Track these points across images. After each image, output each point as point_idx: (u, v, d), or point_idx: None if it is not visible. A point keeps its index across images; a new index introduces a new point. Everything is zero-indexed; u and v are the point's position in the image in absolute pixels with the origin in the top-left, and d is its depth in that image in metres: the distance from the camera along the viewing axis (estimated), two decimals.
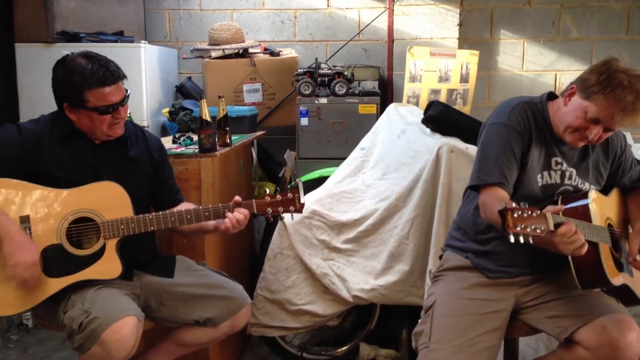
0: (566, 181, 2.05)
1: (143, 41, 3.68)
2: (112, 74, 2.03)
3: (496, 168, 1.96)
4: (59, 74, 2.05)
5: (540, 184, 2.03)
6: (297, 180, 2.19)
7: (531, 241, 1.58)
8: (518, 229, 1.57)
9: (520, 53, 4.38)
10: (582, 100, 1.91)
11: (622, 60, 1.91)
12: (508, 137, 1.99)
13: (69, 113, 2.06)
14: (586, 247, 1.71)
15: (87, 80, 1.99)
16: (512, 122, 2.01)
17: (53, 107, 2.15)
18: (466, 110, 3.83)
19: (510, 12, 4.33)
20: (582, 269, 1.90)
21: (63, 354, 3.23)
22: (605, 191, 2.15)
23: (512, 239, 1.58)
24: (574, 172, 2.07)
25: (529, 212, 1.58)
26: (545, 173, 2.04)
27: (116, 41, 3.62)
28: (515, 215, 1.58)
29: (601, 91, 1.85)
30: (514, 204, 1.60)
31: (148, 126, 3.61)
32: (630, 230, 2.15)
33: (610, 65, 1.88)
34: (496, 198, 1.91)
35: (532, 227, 1.58)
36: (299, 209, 2.12)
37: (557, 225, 1.64)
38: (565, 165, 2.05)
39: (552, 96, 2.11)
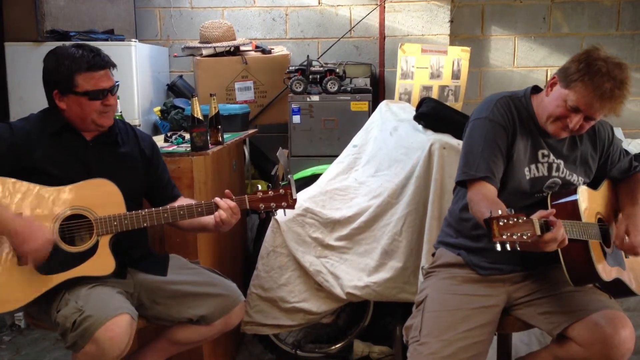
0: (554, 173, 2.06)
1: (134, 39, 3.67)
2: (102, 59, 2.08)
3: (482, 162, 1.96)
4: (50, 61, 2.07)
5: (528, 177, 2.04)
6: (289, 176, 2.19)
7: (518, 248, 1.59)
8: (504, 237, 1.57)
9: (512, 49, 4.39)
10: (562, 89, 1.93)
11: (603, 49, 1.92)
12: (492, 132, 2.00)
13: (59, 101, 2.07)
14: (567, 240, 1.71)
15: (77, 63, 2.02)
16: (495, 117, 2.01)
17: (43, 105, 2.15)
18: (458, 106, 3.84)
19: (500, 8, 4.34)
20: (573, 266, 1.91)
21: (56, 354, 3.22)
22: (595, 184, 2.16)
23: (498, 247, 1.58)
24: (562, 163, 2.07)
25: (515, 219, 1.58)
26: (533, 166, 2.05)
27: (107, 40, 3.61)
28: (501, 223, 1.57)
29: (580, 79, 1.87)
30: (499, 211, 1.60)
31: (139, 125, 3.60)
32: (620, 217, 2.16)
33: (590, 54, 1.90)
34: (483, 194, 1.92)
35: (519, 234, 1.58)
36: (291, 204, 2.14)
37: (545, 229, 1.64)
38: (552, 157, 2.06)
39: (536, 89, 2.12)
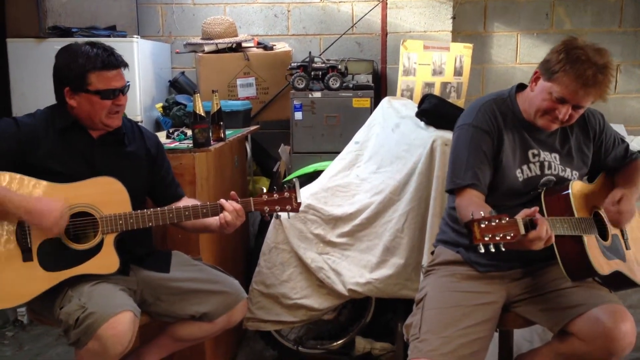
0: (546, 171, 2.06)
1: (136, 36, 3.67)
2: (116, 59, 2.09)
3: (468, 170, 1.98)
4: (63, 57, 2.07)
5: (521, 179, 2.05)
6: (294, 179, 2.18)
7: (502, 248, 1.59)
8: (486, 239, 1.57)
9: (514, 46, 4.39)
10: (546, 82, 1.94)
11: (580, 38, 1.94)
12: (477, 138, 2.01)
13: (69, 99, 2.07)
14: (553, 238, 1.72)
15: (91, 62, 2.03)
16: (479, 123, 2.03)
17: (46, 101, 2.15)
18: (460, 103, 3.83)
19: (503, 4, 4.33)
20: (569, 262, 1.92)
21: (58, 350, 3.23)
22: (592, 176, 2.16)
23: (481, 250, 1.58)
24: (557, 156, 2.08)
25: (497, 220, 1.58)
26: (525, 167, 2.05)
27: (109, 36, 3.61)
28: (482, 225, 1.57)
29: (561, 69, 1.88)
30: (482, 213, 1.60)
31: (142, 121, 3.61)
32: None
33: (568, 43, 1.92)
34: (470, 201, 1.94)
35: (501, 234, 1.58)
36: (296, 208, 2.13)
37: (531, 227, 1.65)
38: (542, 155, 2.06)
39: (522, 87, 2.13)
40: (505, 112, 2.07)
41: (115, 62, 2.08)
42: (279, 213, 2.13)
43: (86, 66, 2.03)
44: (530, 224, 1.65)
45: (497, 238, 1.57)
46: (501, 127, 2.04)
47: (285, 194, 2.11)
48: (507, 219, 1.60)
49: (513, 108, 2.08)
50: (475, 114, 2.05)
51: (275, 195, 2.11)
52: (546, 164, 2.06)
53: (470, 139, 2.02)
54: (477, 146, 2.00)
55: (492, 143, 2.02)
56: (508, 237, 1.58)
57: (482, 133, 2.01)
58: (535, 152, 2.06)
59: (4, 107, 3.61)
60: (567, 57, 1.88)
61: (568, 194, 1.97)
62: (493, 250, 1.58)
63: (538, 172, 2.06)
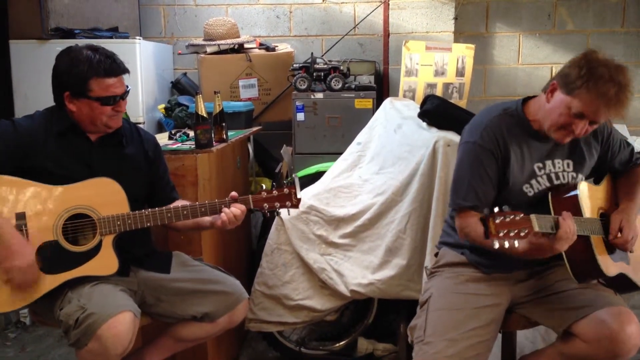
0: (555, 182, 2.05)
1: (138, 37, 3.67)
2: (118, 66, 2.07)
3: (470, 191, 1.98)
4: (64, 62, 2.06)
5: (531, 194, 2.04)
6: (293, 175, 2.18)
7: (517, 244, 1.59)
8: (501, 234, 1.58)
9: (516, 46, 4.38)
10: (565, 96, 1.88)
11: (601, 52, 1.89)
12: (481, 158, 2.00)
13: (69, 103, 2.06)
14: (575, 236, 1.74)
15: (93, 69, 2.02)
16: (484, 142, 2.00)
17: (48, 103, 2.15)
18: (462, 104, 3.83)
19: (505, 5, 4.33)
20: (576, 263, 1.91)
21: (61, 351, 3.23)
22: (597, 178, 2.16)
23: (496, 245, 1.59)
24: (571, 163, 2.06)
25: (512, 217, 1.59)
26: (533, 181, 2.04)
27: (111, 37, 3.61)
28: (497, 221, 1.58)
29: (583, 85, 1.83)
30: (496, 209, 1.61)
31: (144, 122, 3.61)
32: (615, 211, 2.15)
33: (590, 58, 1.86)
34: (467, 222, 1.95)
35: (516, 231, 1.58)
36: (296, 204, 2.12)
37: (556, 227, 1.67)
38: (548, 167, 2.05)
39: (527, 99, 2.10)
40: (512, 126, 2.03)
41: (117, 70, 2.07)
42: (279, 210, 2.13)
43: (88, 73, 2.01)
44: (555, 225, 1.67)
45: (512, 234, 1.58)
46: (507, 145, 2.01)
47: (285, 190, 2.11)
48: (522, 215, 1.61)
49: (521, 120, 2.04)
50: (480, 132, 2.02)
51: (274, 192, 2.11)
52: (553, 175, 2.05)
53: (474, 158, 2.01)
54: (480, 166, 1.99)
55: (496, 163, 2.00)
56: (522, 234, 1.59)
57: (486, 153, 1.99)
58: (540, 165, 2.04)
59: (6, 109, 3.61)
60: (589, 74, 1.82)
61: (576, 195, 1.96)
62: (507, 246, 1.58)
63: (547, 184, 2.04)
